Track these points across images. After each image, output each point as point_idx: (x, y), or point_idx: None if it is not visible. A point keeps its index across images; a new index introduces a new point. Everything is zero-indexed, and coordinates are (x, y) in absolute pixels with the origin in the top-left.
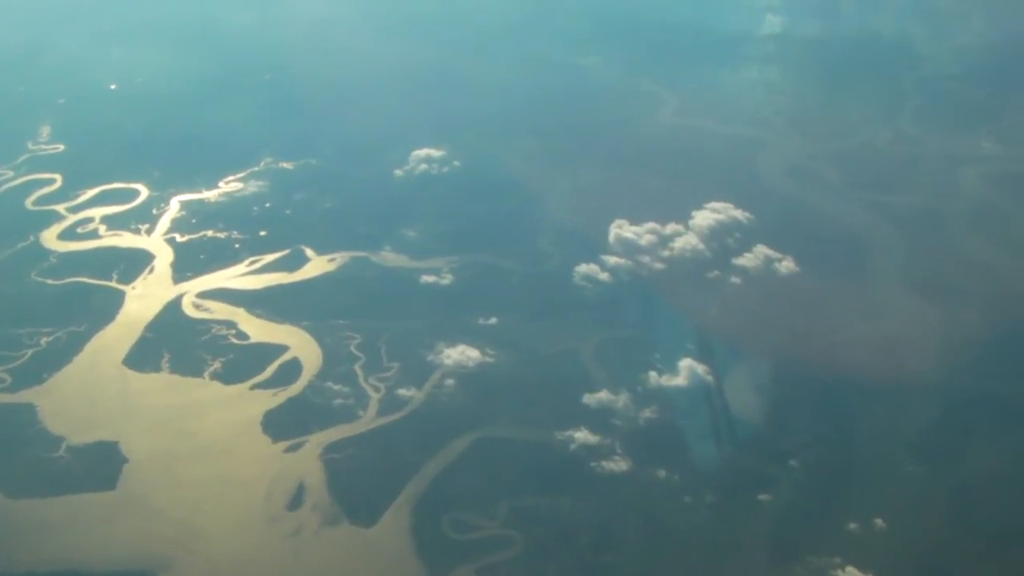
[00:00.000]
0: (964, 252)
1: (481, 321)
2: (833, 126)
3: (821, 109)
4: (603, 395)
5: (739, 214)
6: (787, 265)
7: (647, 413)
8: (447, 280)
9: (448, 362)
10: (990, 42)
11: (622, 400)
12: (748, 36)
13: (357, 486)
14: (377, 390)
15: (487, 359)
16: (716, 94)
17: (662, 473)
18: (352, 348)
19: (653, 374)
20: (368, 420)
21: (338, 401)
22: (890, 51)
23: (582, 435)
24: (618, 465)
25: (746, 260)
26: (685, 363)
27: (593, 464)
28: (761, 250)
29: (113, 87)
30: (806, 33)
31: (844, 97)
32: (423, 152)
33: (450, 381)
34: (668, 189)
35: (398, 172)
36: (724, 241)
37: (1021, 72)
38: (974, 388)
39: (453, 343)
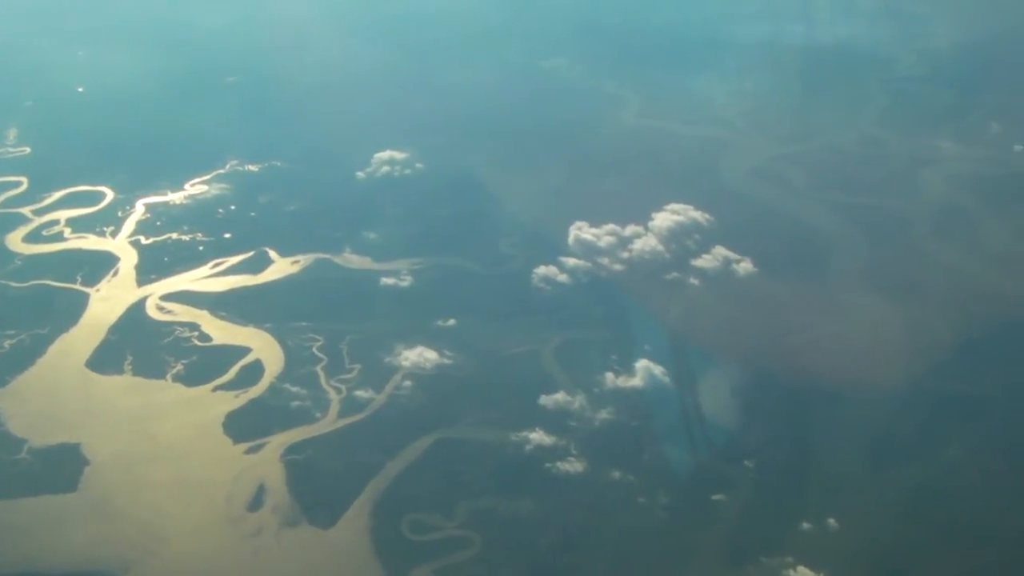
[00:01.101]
0: (926, 254)
1: (440, 323)
2: (797, 128)
3: (786, 111)
4: (560, 396)
5: (699, 216)
6: (746, 267)
7: (603, 414)
8: (406, 282)
9: (406, 364)
10: (956, 44)
11: (578, 401)
12: (714, 39)
13: (317, 487)
14: (338, 392)
15: (445, 361)
16: (680, 96)
17: (617, 474)
18: (314, 350)
19: (610, 375)
20: (329, 421)
21: (299, 403)
22: (856, 54)
23: (537, 436)
24: (573, 466)
25: (705, 262)
26: (642, 364)
27: (548, 465)
28: (720, 251)
29: (80, 90)
30: (772, 36)
31: (809, 99)
32: (386, 154)
33: (408, 383)
34: (629, 191)
35: (360, 174)
36: (683, 243)
37: (986, 74)
38: (934, 389)
39: (411, 345)
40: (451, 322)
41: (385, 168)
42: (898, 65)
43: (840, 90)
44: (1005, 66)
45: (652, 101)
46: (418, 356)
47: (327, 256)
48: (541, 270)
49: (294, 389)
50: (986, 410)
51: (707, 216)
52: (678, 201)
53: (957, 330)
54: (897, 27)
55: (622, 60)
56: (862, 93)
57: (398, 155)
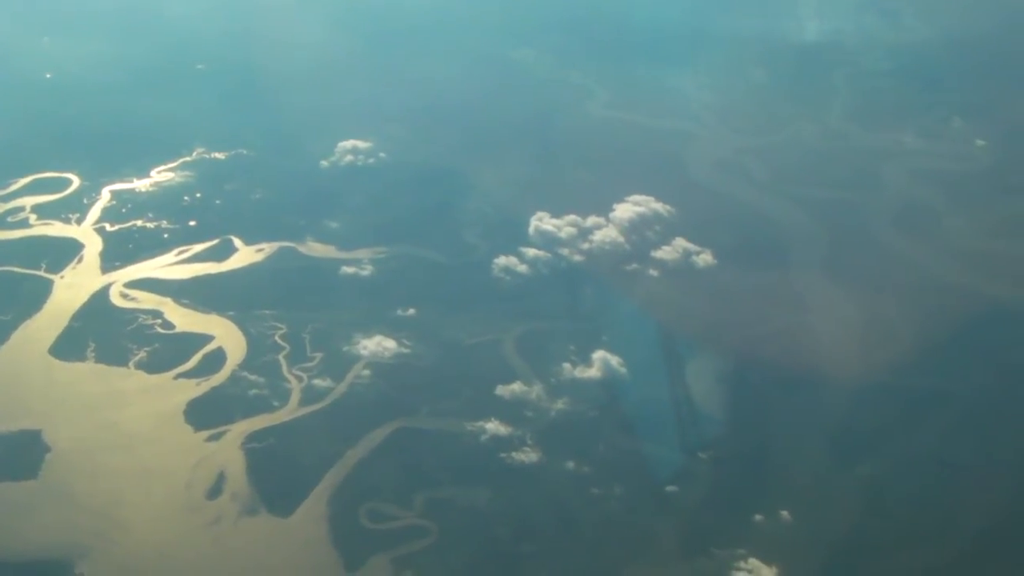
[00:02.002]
0: (886, 246)
1: (399, 312)
2: (762, 121)
3: (751, 104)
4: (516, 387)
5: (660, 207)
6: (705, 258)
7: (559, 404)
8: (367, 271)
9: (364, 352)
10: (924, 40)
11: (535, 391)
12: (683, 32)
13: (277, 475)
14: (300, 380)
15: (404, 350)
16: (648, 89)
17: (571, 464)
18: (276, 338)
19: (567, 366)
20: (290, 410)
21: (261, 391)
22: (824, 48)
23: (493, 426)
24: (528, 456)
25: (665, 253)
26: (599, 355)
27: (503, 455)
28: (680, 243)
29: (48, 76)
30: (741, 30)
31: (776, 93)
32: (349, 144)
33: (367, 372)
34: (593, 182)
35: (324, 163)
36: (644, 234)
37: (951, 70)
38: (894, 383)
39: (370, 334)
40: (411, 311)
41: (348, 157)
42: (865, 60)
43: (807, 84)
44: (970, 62)
45: (619, 93)
46: (376, 345)
47: (291, 244)
48: (501, 260)
49: (256, 377)
50: (947, 403)
51: (668, 208)
52: (641, 192)
53: (917, 324)
54: (865, 22)
55: (591, 52)
56: (829, 87)
57: (361, 144)
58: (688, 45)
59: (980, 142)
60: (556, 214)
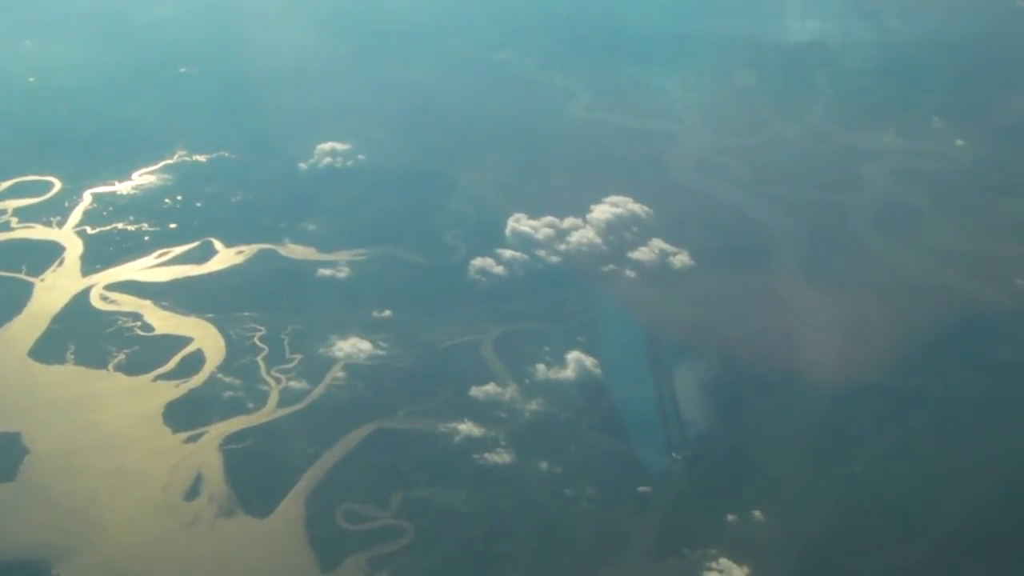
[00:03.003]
0: (866, 247)
1: (375, 314)
2: (744, 122)
3: (734, 105)
4: (490, 388)
5: (638, 208)
6: (682, 259)
7: (533, 405)
8: (344, 273)
9: (340, 355)
10: (906, 40)
11: (509, 393)
12: (665, 33)
13: (254, 477)
14: (278, 382)
15: (379, 352)
16: (630, 90)
17: (544, 465)
18: (256, 340)
19: (541, 367)
20: (268, 411)
21: (239, 393)
22: (805, 48)
23: (466, 427)
24: (501, 457)
25: (642, 254)
26: (573, 356)
27: (475, 456)
28: (657, 244)
29: (31, 79)
30: (723, 30)
31: (757, 93)
32: (327, 146)
33: (346, 374)
34: (572, 183)
35: (302, 166)
36: (621, 235)
37: (932, 69)
38: (870, 382)
39: (345, 336)
40: (386, 313)
41: (327, 160)
42: (848, 60)
43: (790, 84)
44: (951, 62)
45: (602, 95)
46: (352, 347)
47: (271, 247)
48: (477, 262)
49: (234, 379)
50: (924, 403)
51: (646, 209)
52: (620, 193)
53: (897, 324)
54: (848, 23)
55: (574, 53)
56: (811, 88)
57: (340, 146)
58: (671, 46)
59: (959, 142)
60: (534, 215)
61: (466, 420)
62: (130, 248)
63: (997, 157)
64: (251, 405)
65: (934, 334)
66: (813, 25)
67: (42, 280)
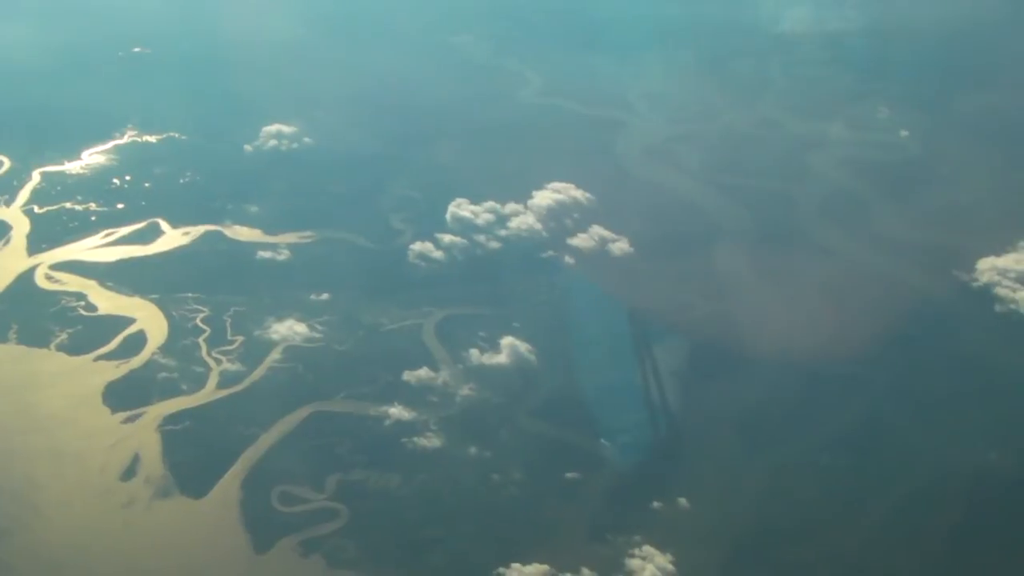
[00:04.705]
0: (810, 235)
1: (313, 297)
2: (696, 109)
3: (687, 93)
4: (423, 372)
5: (580, 194)
6: (621, 246)
7: (465, 390)
8: (283, 256)
9: (275, 337)
10: (858, 28)
11: (442, 377)
12: (622, 19)
13: (191, 458)
14: (218, 363)
15: (315, 335)
16: (584, 76)
17: (473, 450)
18: (198, 321)
19: (475, 352)
20: (207, 393)
21: (179, 374)
22: (760, 36)
23: (396, 412)
24: (431, 442)
25: (581, 240)
26: (507, 341)
27: (404, 440)
28: (597, 231)
29: None
30: (679, 17)
31: (711, 81)
32: (274, 128)
33: (284, 356)
34: (519, 168)
35: (248, 148)
36: (562, 221)
37: (883, 59)
38: (809, 369)
39: (282, 318)
40: (324, 296)
41: (272, 142)
42: (802, 49)
43: (744, 72)
44: (903, 52)
45: (555, 80)
46: (288, 330)
47: (217, 228)
48: (417, 247)
49: (175, 360)
50: (863, 391)
51: (588, 195)
52: (566, 180)
53: (839, 312)
54: (804, 10)
55: (530, 38)
56: (765, 76)
57: (286, 129)
58: (627, 33)
59: (904, 132)
60: (480, 200)
61: (396, 404)
62: (77, 228)
63: (939, 148)
64: (191, 386)
65: (875, 322)
66: (769, 13)
67: None
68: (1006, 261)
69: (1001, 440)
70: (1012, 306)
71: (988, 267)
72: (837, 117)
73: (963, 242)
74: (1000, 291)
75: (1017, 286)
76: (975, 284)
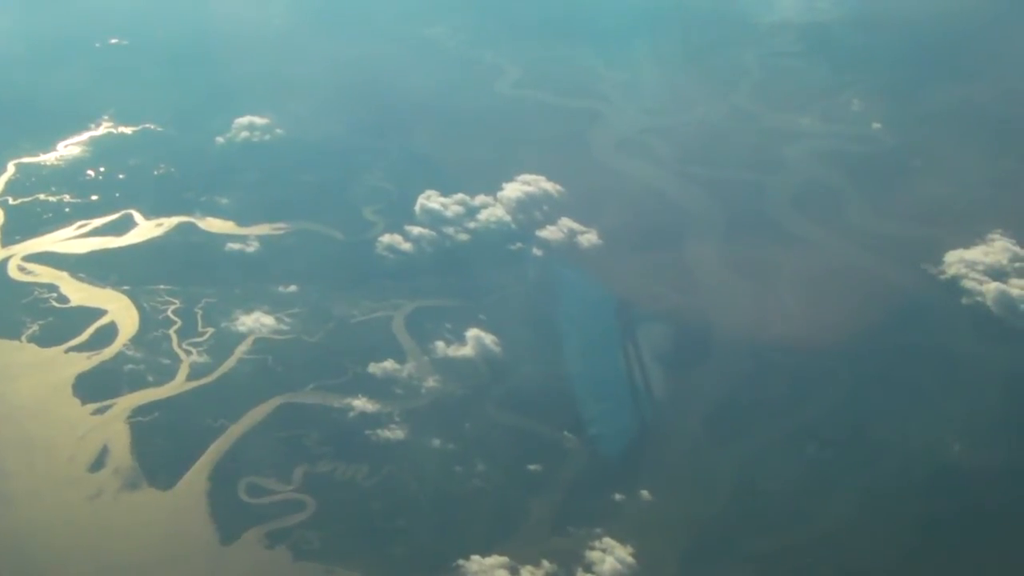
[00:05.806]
0: (782, 227)
1: (281, 289)
2: (671, 101)
3: (662, 84)
4: (388, 364)
5: (550, 186)
6: (590, 238)
7: (430, 382)
8: (252, 248)
9: (243, 329)
10: (833, 20)
11: (407, 369)
12: (598, 10)
13: (160, 449)
14: (188, 355)
15: (282, 327)
16: (559, 67)
17: (437, 442)
18: (169, 313)
19: (441, 344)
20: (177, 384)
21: (149, 365)
22: (735, 27)
23: (360, 403)
24: (394, 433)
25: (549, 233)
26: (473, 333)
27: (368, 432)
28: (566, 223)
29: None
30: (655, 8)
31: (687, 72)
32: (245, 120)
33: (251, 348)
34: (491, 160)
35: (219, 139)
36: (531, 213)
37: (858, 51)
38: (778, 361)
39: (250, 310)
40: (292, 288)
41: (244, 134)
42: (778, 41)
43: (719, 64)
44: (877, 44)
45: (530, 72)
46: (255, 322)
47: (190, 220)
48: (385, 239)
49: (146, 352)
50: (831, 383)
51: (558, 187)
52: (537, 172)
53: (810, 304)
54: (781, 2)
55: (506, 30)
56: (741, 67)
57: (258, 120)
58: (603, 24)
59: (876, 125)
60: (452, 192)
61: (360, 396)
62: (51, 219)
63: (911, 140)
64: (161, 378)
65: (847, 314)
66: (746, 4)
67: None
68: (974, 254)
69: (966, 432)
70: (979, 299)
71: (956, 260)
72: (811, 109)
73: (932, 234)
74: (967, 283)
75: (984, 279)
76: (942, 277)
